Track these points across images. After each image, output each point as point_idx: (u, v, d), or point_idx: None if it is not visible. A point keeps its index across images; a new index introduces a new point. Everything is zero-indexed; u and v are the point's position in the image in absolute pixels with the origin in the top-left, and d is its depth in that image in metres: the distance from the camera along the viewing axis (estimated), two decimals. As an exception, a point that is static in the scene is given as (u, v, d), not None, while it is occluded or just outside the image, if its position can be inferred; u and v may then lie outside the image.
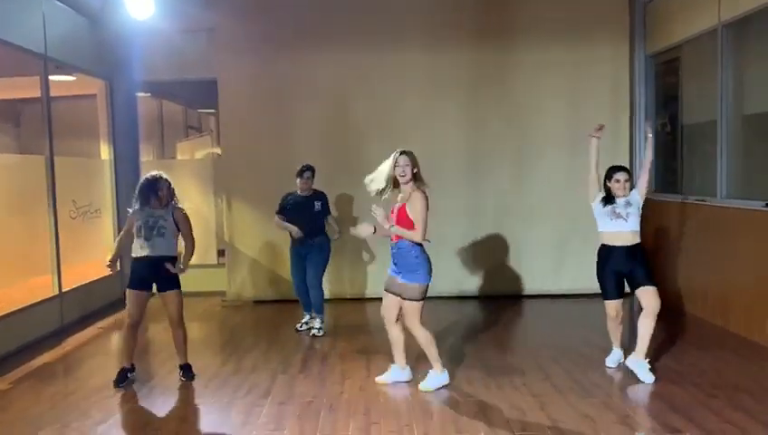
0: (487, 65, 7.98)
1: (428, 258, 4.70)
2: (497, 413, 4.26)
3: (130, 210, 5.16)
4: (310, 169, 6.43)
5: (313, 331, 6.36)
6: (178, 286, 5.13)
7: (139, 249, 5.04)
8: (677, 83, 7.73)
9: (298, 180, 6.40)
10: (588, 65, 7.92)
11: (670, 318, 6.82)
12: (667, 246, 7.41)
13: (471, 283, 8.11)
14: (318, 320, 6.41)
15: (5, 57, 7.13)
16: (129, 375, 5.11)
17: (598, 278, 5.15)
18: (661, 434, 3.91)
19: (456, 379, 4.97)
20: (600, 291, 5.24)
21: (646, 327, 4.89)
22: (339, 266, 7.91)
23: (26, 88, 9.34)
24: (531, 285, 8.05)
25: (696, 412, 4.19)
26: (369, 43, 7.93)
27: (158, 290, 5.10)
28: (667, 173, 7.99)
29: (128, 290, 5.07)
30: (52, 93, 7.02)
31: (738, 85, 6.45)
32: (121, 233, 5.35)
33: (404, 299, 4.68)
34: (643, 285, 4.92)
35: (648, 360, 4.90)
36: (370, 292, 7.97)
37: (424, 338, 4.74)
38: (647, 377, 4.82)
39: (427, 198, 4.63)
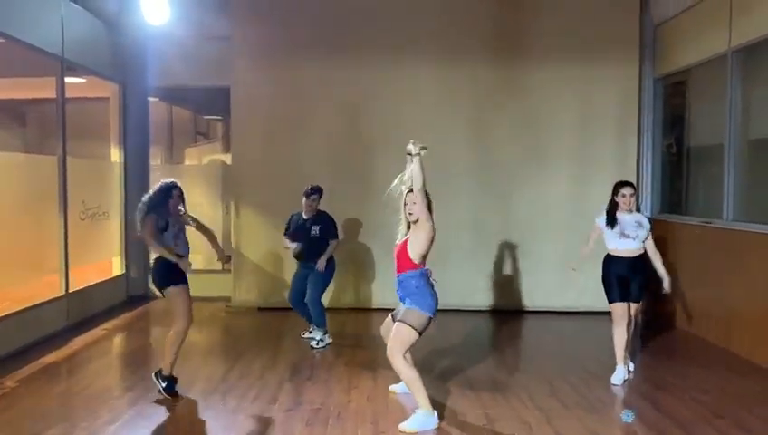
0: (498, 81, 8.07)
1: (434, 293, 4.37)
2: (505, 427, 4.29)
3: (153, 214, 4.97)
4: (317, 191, 6.33)
5: (312, 343, 6.33)
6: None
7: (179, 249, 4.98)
8: (684, 106, 7.82)
9: (304, 201, 6.34)
10: (597, 84, 8.01)
11: (673, 337, 6.89)
12: (672, 266, 7.42)
13: (476, 297, 8.14)
14: (318, 332, 6.37)
15: (17, 58, 7.19)
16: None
17: (603, 283, 5.41)
18: (668, 452, 3.95)
19: (463, 392, 5.01)
20: (602, 308, 5.44)
21: (630, 334, 5.40)
22: (345, 277, 7.95)
23: (35, 88, 9.40)
24: (536, 300, 8.08)
25: (701, 431, 4.22)
26: (383, 54, 8.02)
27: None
28: (673, 194, 8.06)
29: (181, 287, 4.91)
30: (67, 95, 7.07)
31: (745, 110, 6.54)
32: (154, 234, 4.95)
33: (398, 321, 4.33)
34: (631, 299, 5.36)
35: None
36: (377, 302, 8.00)
37: (407, 377, 4.31)
38: (619, 380, 5.25)
39: (431, 228, 4.34)
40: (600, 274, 5.41)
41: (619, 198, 5.33)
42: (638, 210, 8.05)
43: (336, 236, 6.45)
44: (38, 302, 6.50)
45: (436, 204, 4.51)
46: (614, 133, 8.03)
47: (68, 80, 7.49)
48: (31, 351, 6.01)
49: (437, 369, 5.57)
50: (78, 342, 6.49)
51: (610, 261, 5.36)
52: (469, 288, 8.08)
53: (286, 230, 6.54)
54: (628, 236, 5.27)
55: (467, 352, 6.27)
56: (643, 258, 5.38)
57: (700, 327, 6.82)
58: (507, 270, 8.14)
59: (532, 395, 4.92)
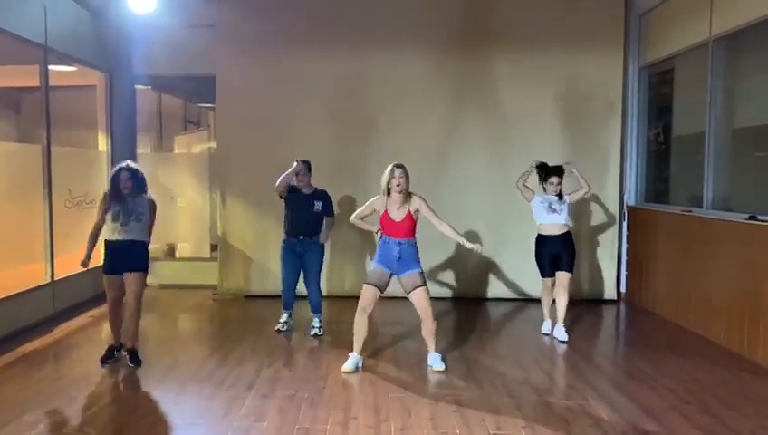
0: (481, 70, 8.06)
1: None
2: (474, 412, 4.35)
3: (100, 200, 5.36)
4: (304, 163, 6.35)
5: (314, 330, 6.38)
6: (145, 270, 5.34)
7: (112, 233, 5.25)
8: (671, 94, 7.82)
9: (294, 178, 6.35)
10: (581, 73, 8.00)
11: (653, 326, 6.94)
12: (654, 254, 7.51)
13: (457, 284, 8.21)
14: (317, 319, 6.44)
15: (7, 46, 7.21)
16: (115, 353, 5.35)
17: (536, 261, 6.25)
18: (632, 437, 4.00)
19: (437, 376, 5.09)
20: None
21: (563, 302, 6.14)
22: (329, 265, 8.00)
23: (28, 76, 9.43)
24: (515, 288, 8.13)
25: (667, 417, 4.28)
26: (367, 43, 8.03)
27: (124, 271, 5.25)
28: (659, 183, 8.08)
29: (103, 275, 5.33)
30: (53, 83, 7.10)
31: (728, 99, 6.55)
32: (93, 228, 5.34)
33: (421, 286, 5.17)
34: (563, 270, 6.13)
35: (564, 325, 6.18)
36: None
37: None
38: (563, 337, 6.10)
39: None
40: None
41: (547, 185, 6.13)
42: (621, 199, 8.16)
43: (333, 214, 6.58)
44: (23, 290, 6.55)
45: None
46: (598, 122, 8.04)
47: (56, 68, 7.53)
48: (15, 338, 6.08)
49: (413, 353, 5.64)
50: (63, 329, 6.57)
51: (541, 240, 6.16)
52: (450, 276, 8.17)
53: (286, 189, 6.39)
54: (554, 211, 6.04)
55: (445, 338, 6.29)
56: (570, 236, 6.15)
57: (679, 315, 6.87)
58: (487, 258, 8.17)
59: (505, 381, 4.98)
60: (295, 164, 6.26)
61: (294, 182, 6.35)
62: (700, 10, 6.66)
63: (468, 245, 5.24)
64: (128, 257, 5.25)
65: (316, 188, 6.45)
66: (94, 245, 5.35)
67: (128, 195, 5.25)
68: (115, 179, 5.26)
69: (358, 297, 8.02)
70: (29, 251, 6.86)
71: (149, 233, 5.44)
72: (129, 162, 5.40)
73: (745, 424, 4.18)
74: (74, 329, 6.61)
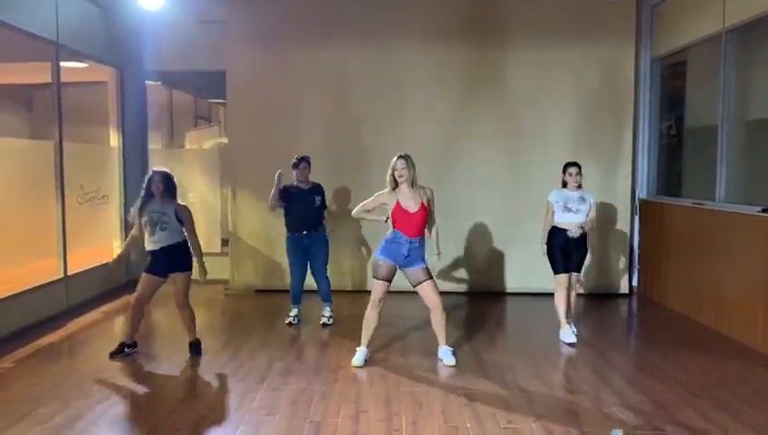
0: (489, 64, 8.02)
1: None
2: (484, 406, 4.34)
3: (132, 209, 5.49)
4: (305, 159, 6.44)
5: (324, 319, 6.51)
6: (189, 269, 5.49)
7: (149, 244, 5.38)
8: (684, 86, 7.76)
9: (294, 172, 6.42)
10: (592, 66, 7.95)
11: (665, 319, 6.91)
12: (666, 247, 7.46)
13: (467, 279, 8.20)
14: (328, 308, 6.58)
15: (19, 43, 7.26)
16: (126, 350, 5.44)
17: (548, 255, 6.00)
18: (644, 432, 3.98)
19: (447, 370, 5.09)
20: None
21: (570, 301, 6.03)
22: (339, 259, 8.02)
23: (40, 73, 9.50)
24: (528, 282, 8.09)
25: (680, 411, 4.26)
26: (376, 38, 8.02)
27: (170, 272, 5.42)
28: (672, 176, 8.03)
29: (143, 274, 5.45)
30: (64, 79, 7.15)
31: (742, 90, 6.48)
32: (132, 231, 5.55)
33: (426, 280, 5.20)
34: (571, 269, 5.97)
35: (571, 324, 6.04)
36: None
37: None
38: (571, 338, 5.88)
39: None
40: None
41: (566, 177, 5.95)
42: (633, 192, 8.12)
43: (326, 207, 6.77)
44: (36, 285, 6.61)
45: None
46: (609, 115, 7.99)
47: (68, 64, 7.57)
48: (29, 333, 6.14)
49: (423, 347, 5.64)
50: (76, 324, 6.62)
51: (554, 234, 5.93)
52: (461, 270, 8.16)
53: (281, 194, 6.38)
54: (570, 210, 5.87)
55: (454, 332, 6.28)
56: (584, 234, 5.92)
57: (691, 309, 6.83)
58: (499, 252, 8.16)
59: (516, 375, 4.98)
60: (277, 174, 6.29)
61: (294, 181, 6.44)
62: (713, 1, 6.59)
63: (435, 256, 5.42)
64: (168, 263, 5.39)
65: (312, 182, 6.54)
66: (128, 252, 5.69)
67: (159, 196, 5.33)
68: (148, 182, 5.38)
69: (363, 292, 8.16)
70: (42, 247, 6.92)
71: (193, 234, 5.48)
72: (163, 168, 5.52)
73: (759, 419, 4.16)
74: (87, 324, 6.67)
